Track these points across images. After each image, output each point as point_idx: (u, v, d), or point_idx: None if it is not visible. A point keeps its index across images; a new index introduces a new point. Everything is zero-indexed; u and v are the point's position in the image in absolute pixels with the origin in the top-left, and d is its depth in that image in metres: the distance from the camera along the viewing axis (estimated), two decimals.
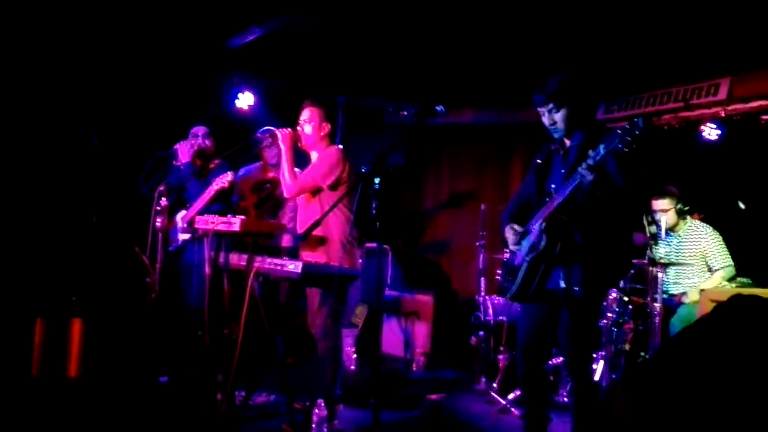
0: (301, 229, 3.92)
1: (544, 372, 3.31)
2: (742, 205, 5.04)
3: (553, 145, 3.14)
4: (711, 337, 1.43)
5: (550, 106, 3.00)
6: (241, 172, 4.68)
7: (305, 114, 3.95)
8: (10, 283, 3.46)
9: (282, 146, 3.89)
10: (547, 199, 3.00)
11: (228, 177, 4.15)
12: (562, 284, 2.92)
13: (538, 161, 3.20)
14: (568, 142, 3.08)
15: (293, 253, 4.16)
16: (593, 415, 2.97)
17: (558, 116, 3.00)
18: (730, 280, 4.52)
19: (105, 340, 3.26)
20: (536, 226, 3.01)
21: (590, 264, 2.92)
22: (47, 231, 4.34)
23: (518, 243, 3.13)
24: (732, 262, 4.55)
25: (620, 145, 2.61)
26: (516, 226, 3.17)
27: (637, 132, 2.58)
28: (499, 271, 3.27)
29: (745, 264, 4.59)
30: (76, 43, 4.81)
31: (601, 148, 2.67)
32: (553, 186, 3.03)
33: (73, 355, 3.14)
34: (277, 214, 4.52)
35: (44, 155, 4.68)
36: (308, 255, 3.82)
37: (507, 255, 3.30)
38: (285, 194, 3.95)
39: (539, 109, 3.05)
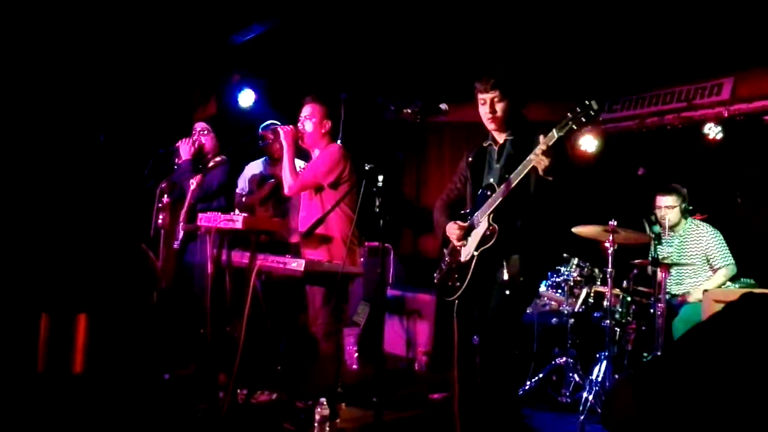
0: (302, 227, 3.90)
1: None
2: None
3: (485, 142, 3.17)
4: (723, 335, 1.42)
5: (495, 93, 2.99)
6: (247, 168, 4.67)
7: (306, 111, 3.93)
8: (15, 278, 3.45)
9: (284, 143, 3.87)
10: (489, 193, 3.00)
11: (195, 180, 4.30)
12: (506, 275, 2.92)
13: (470, 159, 3.20)
14: (500, 139, 3.09)
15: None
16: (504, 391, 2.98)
17: (500, 106, 3.01)
18: (733, 280, 4.50)
19: (110, 336, 3.25)
20: (483, 220, 2.98)
21: (532, 252, 2.95)
22: (53, 226, 4.34)
23: (464, 238, 3.09)
24: (733, 261, 4.53)
25: (575, 126, 2.67)
26: (460, 222, 3.13)
27: (592, 113, 2.65)
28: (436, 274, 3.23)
29: (747, 265, 4.57)
30: (83, 45, 4.85)
31: (554, 132, 2.71)
32: (491, 180, 3.04)
33: (78, 351, 3.13)
34: (283, 209, 4.49)
35: (51, 152, 4.69)
36: (310, 253, 3.80)
37: (447, 255, 3.20)
38: (285, 192, 3.93)
39: (481, 96, 3.04)
